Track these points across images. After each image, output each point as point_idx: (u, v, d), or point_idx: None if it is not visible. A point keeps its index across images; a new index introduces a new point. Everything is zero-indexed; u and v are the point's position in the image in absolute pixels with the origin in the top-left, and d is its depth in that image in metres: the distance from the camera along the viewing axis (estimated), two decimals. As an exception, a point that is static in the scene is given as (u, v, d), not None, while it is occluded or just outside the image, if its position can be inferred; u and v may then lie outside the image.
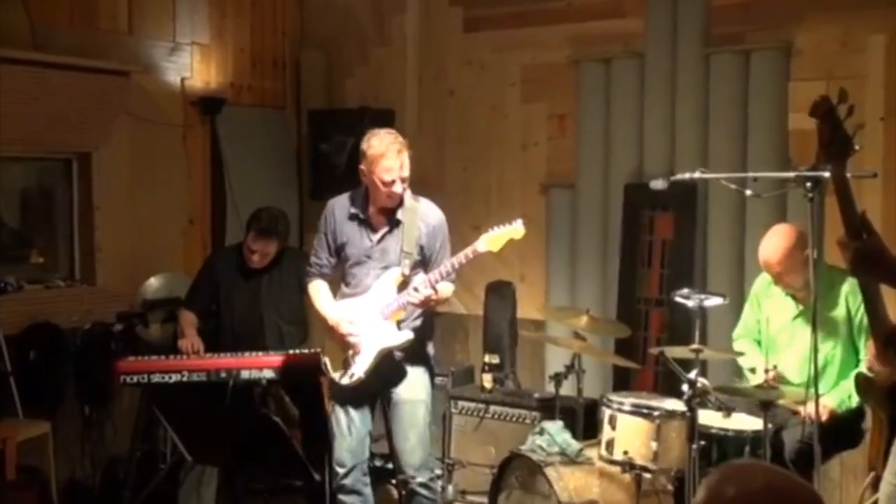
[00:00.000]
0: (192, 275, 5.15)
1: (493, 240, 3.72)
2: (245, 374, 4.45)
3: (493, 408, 5.08)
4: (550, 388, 4.71)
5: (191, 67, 6.00)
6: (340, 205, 4.07)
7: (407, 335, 3.90)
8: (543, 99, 5.83)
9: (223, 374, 4.45)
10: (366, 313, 3.93)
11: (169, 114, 5.86)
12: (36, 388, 4.98)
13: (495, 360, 5.28)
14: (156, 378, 4.44)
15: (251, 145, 6.32)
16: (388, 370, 3.95)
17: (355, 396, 4.01)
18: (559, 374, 4.60)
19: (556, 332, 5.41)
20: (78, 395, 5.19)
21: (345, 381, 3.94)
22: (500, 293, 5.62)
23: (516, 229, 3.72)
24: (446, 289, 3.95)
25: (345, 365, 3.95)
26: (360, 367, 3.91)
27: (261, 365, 4.48)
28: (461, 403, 5.17)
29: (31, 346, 5.04)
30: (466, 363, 5.74)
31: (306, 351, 4.60)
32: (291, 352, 4.61)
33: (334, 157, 6.00)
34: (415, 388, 3.99)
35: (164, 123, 5.81)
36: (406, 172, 3.85)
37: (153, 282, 5.42)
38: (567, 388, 4.73)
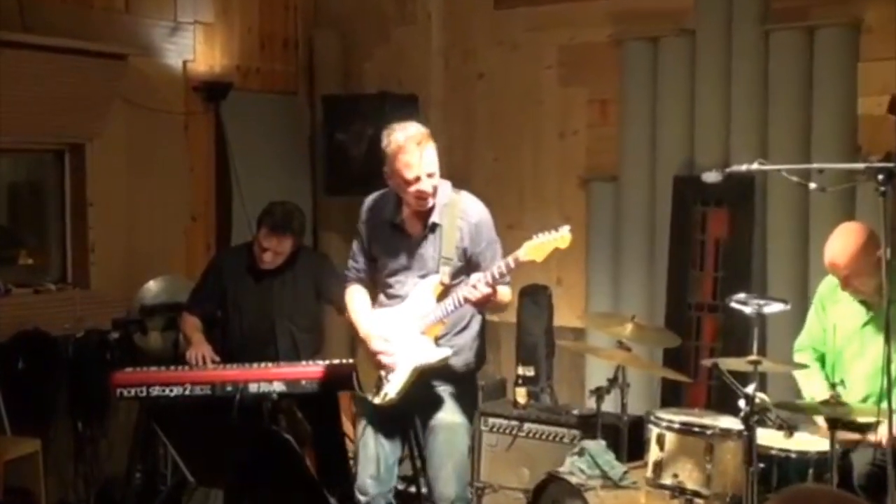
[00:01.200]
0: (195, 278, 5.17)
1: (536, 248, 3.61)
2: (253, 388, 4.45)
3: (527, 425, 5.07)
4: (591, 403, 4.70)
5: (193, 49, 6.04)
6: (373, 205, 4.02)
7: (444, 352, 3.83)
8: (583, 82, 5.83)
9: (229, 388, 4.44)
10: (401, 327, 3.87)
11: (169, 100, 5.90)
12: (24, 402, 5.01)
13: (530, 372, 5.28)
14: (155, 391, 4.43)
15: (260, 135, 6.34)
16: (424, 390, 3.88)
17: (387, 417, 3.94)
18: (601, 388, 4.58)
19: (597, 342, 5.42)
20: (70, 410, 5.22)
21: (378, 400, 3.90)
22: (535, 298, 5.61)
23: (562, 237, 3.62)
24: (505, 292, 3.89)
25: (378, 382, 3.90)
26: (393, 387, 3.86)
27: (271, 377, 4.47)
28: (492, 420, 5.16)
29: (19, 355, 5.07)
30: (498, 376, 5.73)
31: (327, 362, 4.60)
32: (320, 363, 4.60)
33: (351, 148, 6.02)
34: (454, 410, 3.92)
35: (165, 111, 5.85)
36: (432, 167, 3.77)
37: (152, 285, 5.44)
38: (610, 404, 4.71)
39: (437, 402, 3.90)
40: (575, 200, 5.82)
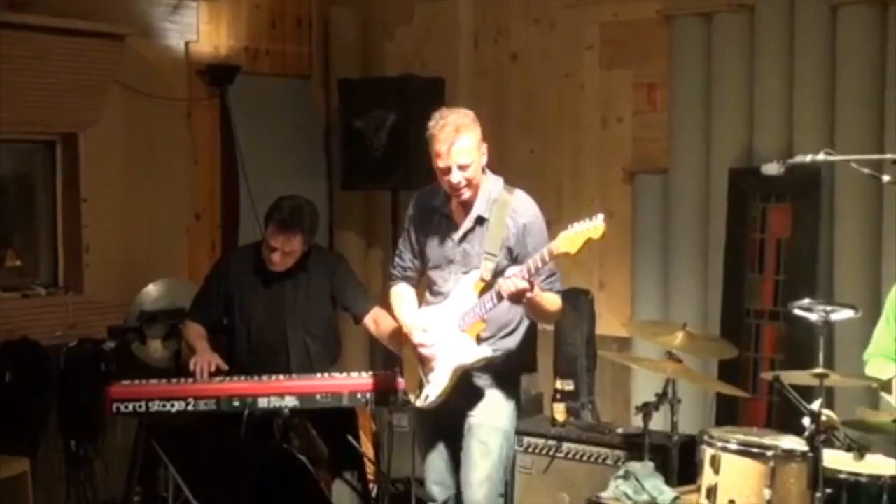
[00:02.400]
0: (199, 281, 5.19)
1: (571, 239, 3.69)
2: (263, 403, 4.47)
3: (566, 445, 5.07)
4: (637, 421, 4.70)
5: (197, 29, 6.06)
6: (424, 197, 4.20)
7: (484, 352, 3.96)
8: (628, 64, 5.82)
9: (236, 403, 4.47)
10: (442, 324, 4.03)
11: (171, 86, 5.93)
12: (12, 418, 5.04)
13: (569, 386, 5.28)
14: (155, 406, 4.46)
15: (270, 123, 6.36)
16: (466, 391, 4.03)
17: (436, 421, 4.13)
18: (648, 404, 4.58)
19: (644, 353, 5.41)
20: (62, 427, 5.25)
21: (419, 403, 4.08)
22: (575, 304, 5.58)
23: (595, 226, 3.68)
24: (552, 299, 3.98)
25: (420, 384, 4.08)
26: (434, 388, 4.02)
27: (283, 391, 4.49)
28: (527, 440, 5.16)
29: (6, 367, 5.10)
30: (533, 391, 5.71)
31: (344, 375, 4.62)
32: (337, 375, 4.64)
33: (371, 137, 6.02)
34: (493, 412, 4.06)
35: (166, 97, 5.87)
36: (464, 158, 3.90)
37: (152, 290, 5.47)
38: (658, 422, 4.71)
39: (478, 404, 4.05)
40: (619, 195, 5.81)
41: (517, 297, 3.80)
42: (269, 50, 6.43)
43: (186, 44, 6.01)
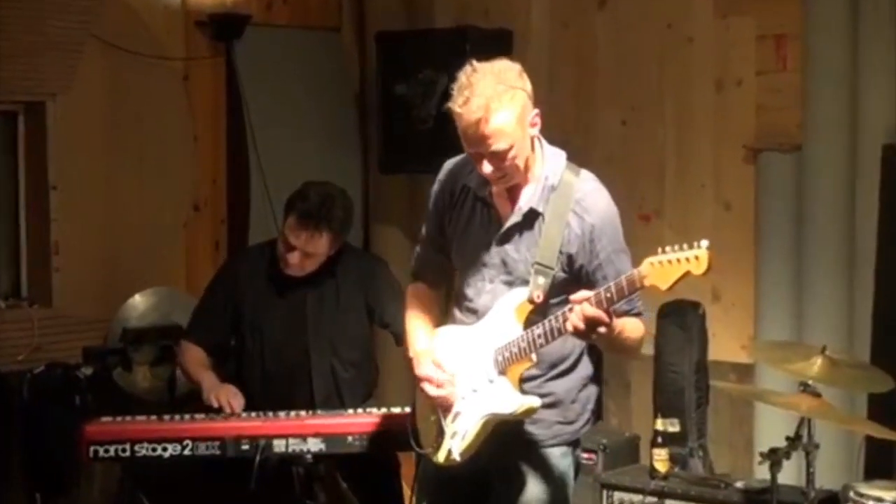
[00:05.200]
0: (199, 291, 5.21)
1: (664, 271, 3.46)
2: (280, 446, 4.47)
3: (669, 503, 5.05)
4: (763, 472, 4.63)
5: (196, -30, 6.13)
6: (456, 170, 3.97)
7: (528, 401, 3.75)
8: (750, 11, 5.79)
9: (246, 446, 4.47)
10: (471, 356, 3.85)
11: (163, 41, 5.97)
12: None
13: (673, 427, 5.24)
14: (143, 450, 4.46)
15: (288, 89, 6.39)
16: (502, 447, 3.86)
17: (454, 487, 3.96)
18: (777, 450, 4.50)
19: (770, 384, 5.36)
20: (25, 475, 5.30)
21: (439, 458, 3.89)
22: (682, 321, 5.56)
23: (697, 257, 3.43)
24: (634, 326, 3.78)
25: (438, 432, 3.91)
26: (458, 441, 3.84)
27: (305, 431, 4.48)
28: (619, 496, 5.15)
29: (-43, 398, 5.18)
30: (626, 432, 5.73)
31: (382, 411, 4.62)
32: (373, 412, 4.63)
33: (417, 107, 6.03)
34: (541, 484, 3.91)
35: (157, 56, 5.91)
36: (500, 143, 3.62)
37: (139, 302, 5.51)
38: (789, 473, 4.69)
39: (517, 469, 3.89)
40: (739, 180, 5.79)
41: (588, 334, 3.56)
42: (288, -4, 6.48)
43: (183, -12, 6.07)
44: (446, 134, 4.69)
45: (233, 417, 4.60)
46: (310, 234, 4.72)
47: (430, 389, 3.83)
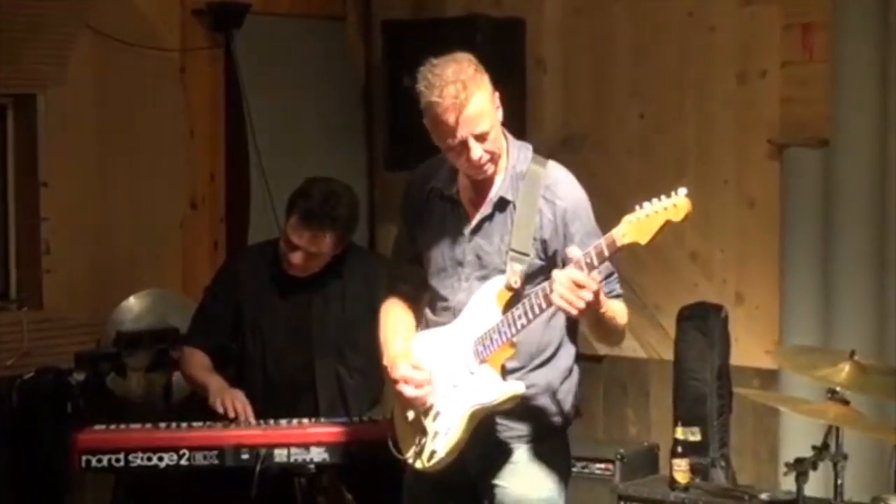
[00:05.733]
0: (197, 293, 5.21)
1: (640, 224, 3.54)
2: (282, 455, 4.46)
3: (690, 516, 5.07)
4: (788, 483, 4.65)
5: (193, -44, 6.13)
6: (419, 177, 4.10)
7: (512, 388, 3.78)
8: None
9: (246, 455, 4.46)
10: (450, 353, 3.89)
11: (159, 31, 5.97)
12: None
13: (694, 436, 5.23)
14: (138, 460, 4.45)
15: (290, 81, 6.40)
16: (488, 447, 3.90)
17: (441, 491, 3.97)
18: (803, 460, 4.52)
19: (796, 391, 5.34)
20: (14, 486, 5.30)
21: (422, 463, 3.92)
22: (703, 324, 5.56)
23: (675, 204, 3.54)
24: (619, 309, 3.84)
25: (420, 436, 3.94)
26: (442, 441, 3.86)
27: (308, 440, 4.48)
28: (637, 508, 5.15)
29: (-57, 405, 5.19)
30: (645, 441, 5.73)
31: (389, 419, 4.57)
32: (379, 419, 4.63)
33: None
34: (533, 479, 3.95)
35: (152, 47, 5.92)
36: (483, 124, 3.74)
37: (134, 304, 5.51)
38: (816, 485, 4.68)
39: (507, 466, 3.92)
40: (763, 176, 5.79)
41: (574, 303, 3.57)
42: (290, -17, 6.49)
43: (180, -24, 6.08)
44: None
45: (239, 423, 4.59)
46: (313, 234, 4.72)
47: (408, 390, 3.86)
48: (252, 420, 4.61)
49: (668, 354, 5.65)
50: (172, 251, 6.05)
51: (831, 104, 5.62)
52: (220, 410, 4.62)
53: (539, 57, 6.22)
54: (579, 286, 3.51)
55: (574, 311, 3.58)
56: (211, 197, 6.19)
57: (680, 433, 5.19)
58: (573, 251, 3.58)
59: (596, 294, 3.55)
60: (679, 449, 5.16)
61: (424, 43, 6.08)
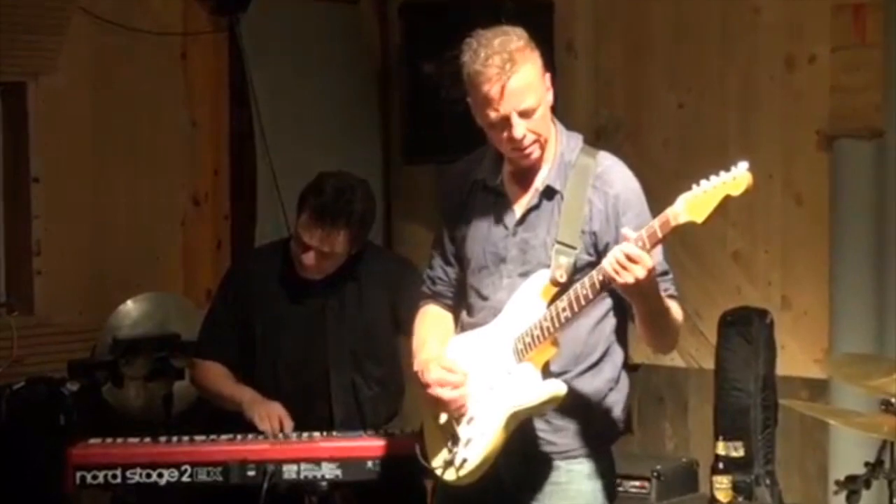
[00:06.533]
0: (198, 296, 5.21)
1: (697, 201, 3.50)
2: (291, 472, 4.45)
3: (732, 537, 5.07)
4: (839, 502, 4.65)
5: (195, -66, 6.15)
6: (457, 172, 4.10)
7: (555, 388, 3.74)
8: (825, -23, 5.78)
9: (252, 472, 4.45)
10: (489, 352, 3.87)
11: (159, 15, 5.99)
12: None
13: (737, 451, 5.24)
14: (136, 476, 4.45)
15: (301, 68, 6.41)
16: (523, 460, 3.88)
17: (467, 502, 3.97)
18: (855, 478, 4.53)
19: (848, 402, 5.34)
20: (4, 503, 5.29)
21: (451, 474, 3.88)
22: (747, 330, 5.55)
23: (735, 178, 3.49)
24: (676, 308, 3.80)
25: (450, 446, 3.90)
26: (474, 449, 3.83)
27: (320, 455, 4.46)
28: (675, 529, 5.18)
29: (-72, 417, 5.21)
30: (684, 458, 5.72)
31: (409, 432, 4.58)
32: (397, 433, 4.61)
33: (447, 88, 6.00)
34: (574, 497, 3.92)
35: (152, 32, 5.92)
36: (529, 99, 3.73)
37: (131, 309, 5.52)
38: None
39: (547, 489, 3.89)
40: (812, 169, 5.80)
41: (626, 281, 3.52)
42: (300, -39, 6.50)
43: (181, -45, 6.10)
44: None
45: (279, 439, 4.58)
46: (326, 232, 4.70)
47: (443, 393, 3.83)
48: (292, 435, 4.60)
49: (709, 363, 5.65)
50: (173, 251, 6.06)
51: (885, 92, 5.63)
52: (261, 426, 4.62)
53: (569, 41, 6.21)
54: (632, 260, 3.48)
55: (622, 280, 3.53)
56: (214, 193, 6.20)
57: (721, 448, 5.21)
58: (627, 232, 3.54)
59: (649, 273, 3.51)
60: (720, 465, 5.17)
61: (445, 27, 6.09)
